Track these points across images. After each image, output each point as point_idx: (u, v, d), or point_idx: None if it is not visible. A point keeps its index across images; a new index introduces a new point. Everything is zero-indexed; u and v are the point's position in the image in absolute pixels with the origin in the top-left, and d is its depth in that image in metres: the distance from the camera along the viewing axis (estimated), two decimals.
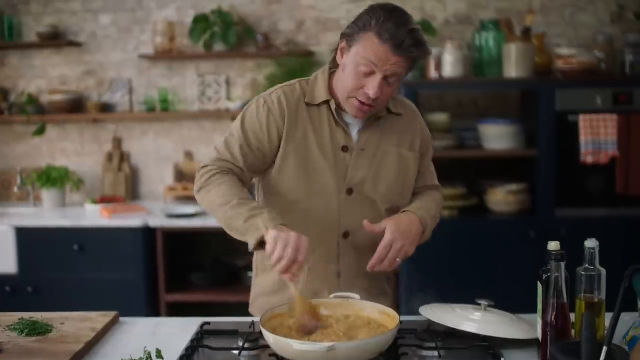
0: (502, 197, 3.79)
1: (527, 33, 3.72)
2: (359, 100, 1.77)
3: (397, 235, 1.76)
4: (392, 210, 1.89)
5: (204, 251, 4.34)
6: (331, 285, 1.87)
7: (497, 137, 3.79)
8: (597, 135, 3.55)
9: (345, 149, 1.85)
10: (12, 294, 3.81)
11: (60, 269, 3.85)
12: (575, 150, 3.60)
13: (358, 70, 1.74)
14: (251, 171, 1.87)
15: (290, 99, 1.86)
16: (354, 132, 1.87)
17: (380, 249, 1.76)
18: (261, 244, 1.67)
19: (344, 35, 1.79)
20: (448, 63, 3.78)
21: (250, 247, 1.71)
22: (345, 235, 1.86)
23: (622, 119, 3.57)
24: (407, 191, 1.93)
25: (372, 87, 1.73)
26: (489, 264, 3.62)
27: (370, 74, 1.73)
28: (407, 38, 1.68)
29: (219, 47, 4.29)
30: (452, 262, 3.69)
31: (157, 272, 3.91)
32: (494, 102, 4.23)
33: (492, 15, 4.15)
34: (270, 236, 1.62)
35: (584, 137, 3.56)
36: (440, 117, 3.92)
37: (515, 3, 4.18)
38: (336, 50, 1.84)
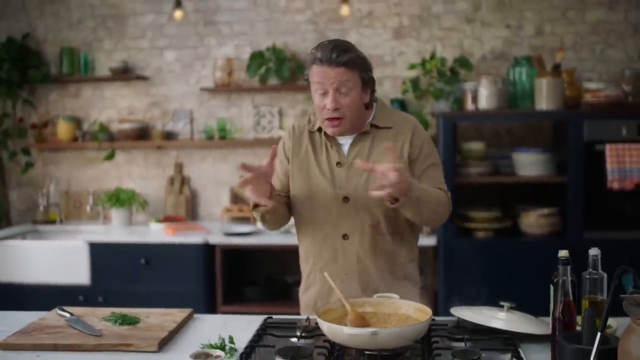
0: (534, 220, 4.05)
1: (556, 69, 4.00)
2: (326, 118, 2.13)
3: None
4: (388, 212, 2.16)
5: (257, 268, 4.68)
6: (339, 282, 2.17)
7: (529, 164, 4.05)
8: (622, 164, 3.79)
9: (338, 164, 2.20)
10: (85, 303, 4.18)
11: (128, 281, 4.23)
12: (602, 177, 3.83)
13: (317, 95, 2.13)
14: (286, 191, 2.28)
15: (297, 129, 2.30)
16: (346, 149, 2.21)
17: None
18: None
19: (305, 80, 2.19)
20: (483, 96, 4.08)
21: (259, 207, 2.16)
22: (344, 237, 2.19)
23: None
24: None
25: (328, 102, 2.10)
26: (521, 281, 3.83)
27: (325, 93, 2.11)
28: (332, 52, 2.07)
29: (273, 81, 4.66)
30: (487, 279, 3.92)
31: (215, 285, 4.26)
32: (528, 132, 4.50)
33: (526, 51, 4.44)
34: None
35: (610, 165, 3.80)
36: (477, 146, 4.20)
37: (549, 40, 4.47)
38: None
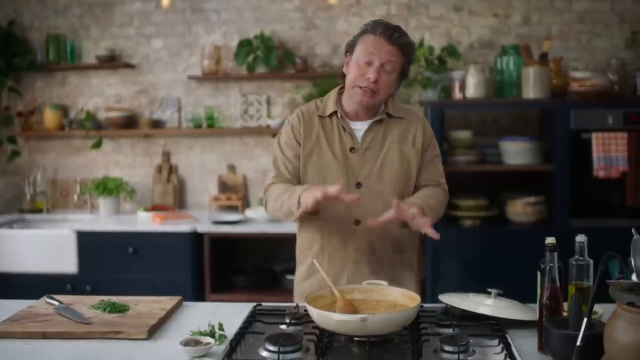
0: (520, 208, 4.08)
1: (544, 58, 4.03)
2: (360, 87, 2.16)
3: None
4: (399, 199, 2.18)
5: (245, 256, 4.69)
6: (348, 267, 2.23)
7: (516, 153, 4.08)
8: (608, 152, 3.83)
9: (352, 149, 2.23)
10: (72, 292, 4.16)
11: (115, 270, 4.22)
12: (589, 165, 3.88)
13: (359, 63, 2.16)
14: (297, 175, 2.28)
15: (305, 113, 2.30)
16: (360, 136, 2.25)
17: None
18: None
19: (346, 48, 2.24)
20: (471, 85, 4.10)
21: (296, 214, 2.12)
22: (357, 222, 2.22)
23: (632, 137, 3.84)
24: (411, 181, 2.27)
25: (371, 72, 2.14)
26: (507, 269, 3.86)
27: (370, 63, 2.14)
28: (395, 32, 2.16)
29: (260, 69, 4.65)
30: (474, 267, 3.98)
31: (203, 274, 4.26)
32: (514, 121, 4.52)
33: (513, 40, 4.46)
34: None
35: (597, 154, 3.84)
36: (464, 134, 4.23)
37: (535, 29, 4.49)
38: (343, 66, 2.27)
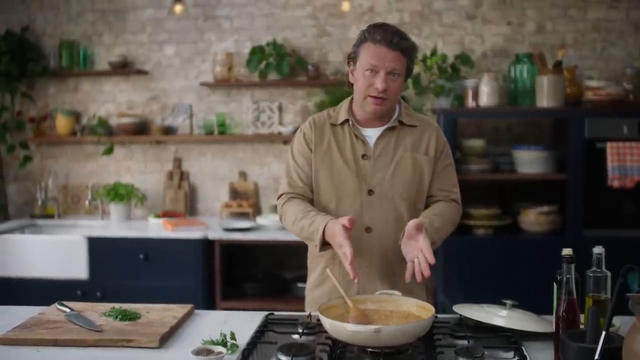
0: (534, 218, 4.05)
1: (558, 66, 4.00)
2: (371, 97, 2.15)
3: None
4: (410, 207, 2.21)
5: (255, 263, 4.68)
6: (359, 275, 2.18)
7: (529, 162, 4.05)
8: (623, 162, 3.79)
9: (364, 156, 2.22)
10: (83, 298, 4.16)
11: (126, 276, 4.21)
12: (603, 175, 3.83)
13: (365, 74, 2.14)
14: (309, 183, 2.28)
15: (317, 122, 2.30)
16: (372, 143, 2.24)
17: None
18: (325, 243, 2.09)
19: (348, 58, 2.23)
20: (484, 93, 4.08)
21: (319, 249, 2.11)
22: (368, 230, 2.20)
23: None
24: (423, 189, 2.25)
25: (379, 82, 2.12)
26: (520, 279, 3.84)
27: (376, 73, 2.12)
28: (394, 36, 2.11)
29: (273, 76, 4.65)
30: (487, 276, 3.94)
31: (213, 280, 4.25)
32: (528, 130, 4.49)
33: (527, 49, 4.43)
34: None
35: (611, 163, 3.80)
36: (477, 143, 4.20)
37: (549, 37, 4.46)
38: (347, 75, 2.27)
